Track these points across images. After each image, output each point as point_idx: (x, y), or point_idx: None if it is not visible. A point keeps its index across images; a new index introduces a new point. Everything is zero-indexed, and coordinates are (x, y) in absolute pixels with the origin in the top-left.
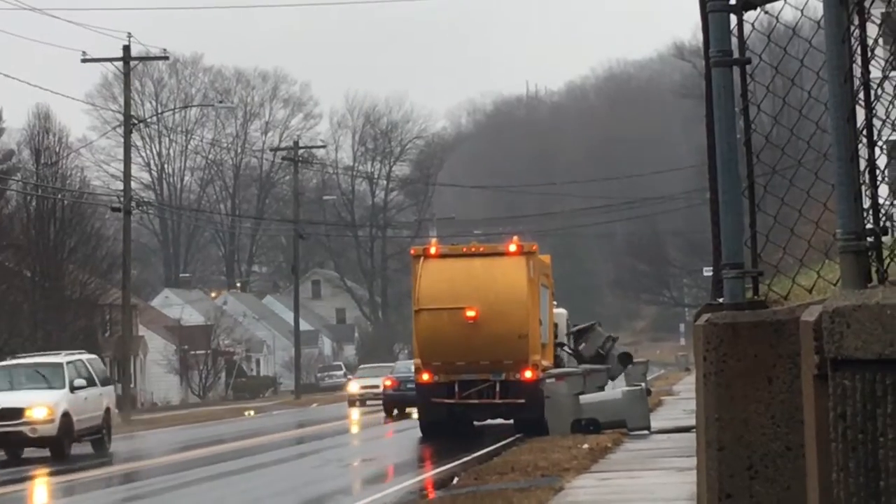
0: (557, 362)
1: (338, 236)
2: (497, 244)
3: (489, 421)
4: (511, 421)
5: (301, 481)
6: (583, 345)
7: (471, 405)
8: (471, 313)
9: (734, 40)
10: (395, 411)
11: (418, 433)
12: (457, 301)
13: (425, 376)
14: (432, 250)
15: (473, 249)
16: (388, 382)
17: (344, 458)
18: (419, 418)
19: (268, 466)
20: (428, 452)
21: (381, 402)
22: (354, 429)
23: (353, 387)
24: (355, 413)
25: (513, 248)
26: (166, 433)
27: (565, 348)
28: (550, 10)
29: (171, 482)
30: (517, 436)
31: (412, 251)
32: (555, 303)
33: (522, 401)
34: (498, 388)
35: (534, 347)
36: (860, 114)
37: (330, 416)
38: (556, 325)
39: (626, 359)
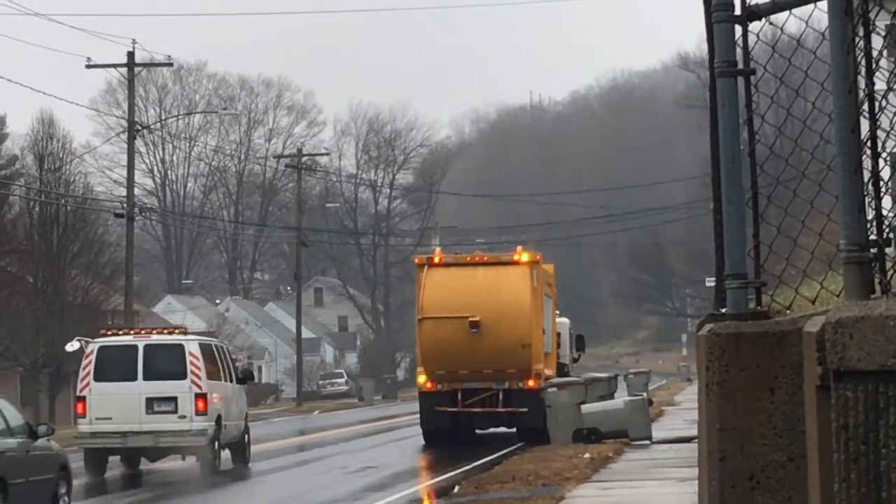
0: (560, 371)
1: (340, 244)
2: (501, 253)
3: (491, 429)
4: (514, 429)
5: (303, 488)
6: None
7: (473, 413)
8: (474, 321)
9: (739, 51)
10: None
11: (421, 441)
12: (460, 310)
13: (428, 385)
14: (436, 259)
15: (477, 259)
16: None
17: (346, 465)
18: (422, 426)
19: (270, 473)
20: (430, 460)
21: None
22: (357, 436)
23: None
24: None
25: (516, 257)
26: None
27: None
28: (554, 19)
29: (171, 490)
30: (519, 444)
31: (416, 260)
32: (557, 312)
33: (525, 409)
34: (501, 397)
35: (537, 356)
36: (864, 125)
37: (332, 423)
38: (558, 335)
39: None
